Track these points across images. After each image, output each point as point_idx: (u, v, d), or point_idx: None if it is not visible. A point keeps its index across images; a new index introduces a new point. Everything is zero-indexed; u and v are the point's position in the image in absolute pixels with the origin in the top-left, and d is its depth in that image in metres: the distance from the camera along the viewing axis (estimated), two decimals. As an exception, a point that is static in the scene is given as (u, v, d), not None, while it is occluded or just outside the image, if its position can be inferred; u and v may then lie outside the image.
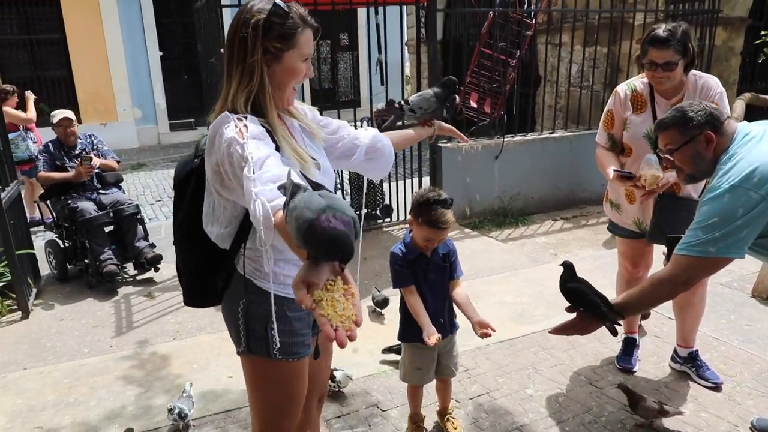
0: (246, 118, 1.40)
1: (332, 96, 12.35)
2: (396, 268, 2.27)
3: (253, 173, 1.25)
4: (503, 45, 5.85)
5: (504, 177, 5.68)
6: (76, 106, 11.05)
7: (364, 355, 3.21)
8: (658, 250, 2.72)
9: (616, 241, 2.98)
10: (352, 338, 0.98)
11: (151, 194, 7.88)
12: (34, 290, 4.29)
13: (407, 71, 12.42)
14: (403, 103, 2.01)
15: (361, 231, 1.11)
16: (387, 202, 5.77)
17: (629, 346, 3.02)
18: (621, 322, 1.95)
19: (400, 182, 5.69)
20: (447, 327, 2.37)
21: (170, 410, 2.51)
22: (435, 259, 2.28)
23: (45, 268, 4.70)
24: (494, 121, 5.99)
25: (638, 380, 2.87)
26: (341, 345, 0.96)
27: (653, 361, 3.04)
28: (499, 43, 5.76)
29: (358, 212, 5.65)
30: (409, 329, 2.32)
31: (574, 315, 1.98)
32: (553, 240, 5.19)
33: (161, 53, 11.70)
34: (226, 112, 1.42)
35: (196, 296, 1.68)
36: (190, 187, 1.60)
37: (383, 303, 3.73)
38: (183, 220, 1.62)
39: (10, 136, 6.07)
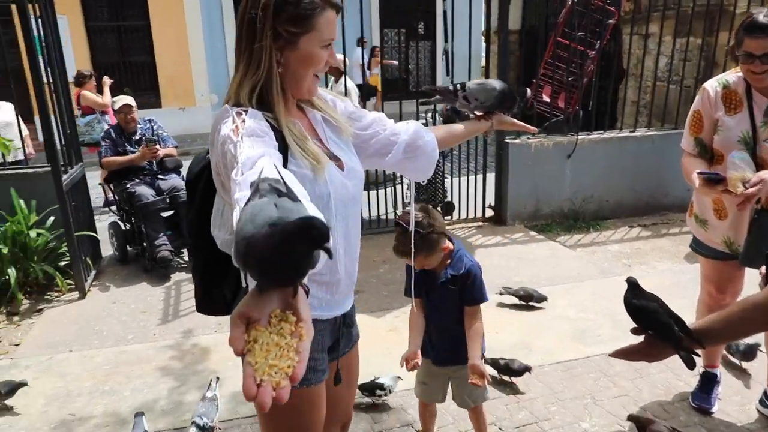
0: (246, 112, 1.21)
1: (405, 86, 12.08)
2: (406, 277, 2.10)
3: (241, 175, 1.06)
4: (582, 35, 5.38)
5: (577, 177, 5.25)
6: (157, 90, 11.50)
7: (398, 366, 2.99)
8: (750, 275, 2.31)
9: (700, 261, 2.58)
10: (278, 399, 0.74)
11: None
12: (94, 271, 4.39)
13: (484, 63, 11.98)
14: (458, 87, 1.75)
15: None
16: (449, 199, 5.50)
17: (708, 382, 2.62)
18: (699, 352, 1.61)
19: (464, 178, 5.40)
20: (451, 355, 2.11)
21: (194, 423, 2.41)
22: (441, 279, 2.03)
23: (109, 249, 4.82)
24: (568, 117, 5.54)
25: (716, 423, 2.49)
26: (261, 407, 0.73)
27: (737, 402, 2.63)
28: (577, 33, 5.30)
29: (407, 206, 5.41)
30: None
31: (641, 339, 1.66)
32: (628, 249, 4.73)
33: (239, 40, 11.90)
34: (227, 105, 1.24)
35: (204, 302, 1.52)
36: (200, 185, 1.44)
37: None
38: (193, 219, 1.47)
39: (87, 118, 6.33)
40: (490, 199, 5.37)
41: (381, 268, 4.39)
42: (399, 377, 2.66)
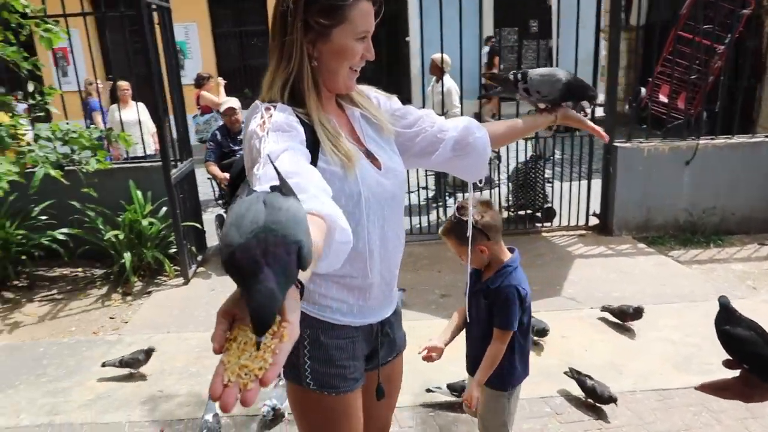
0: (275, 107, 1.18)
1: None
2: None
3: (261, 169, 1.03)
4: (708, 28, 4.83)
5: (696, 186, 4.74)
6: (275, 91, 12.12)
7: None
8: None
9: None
10: (244, 402, 0.68)
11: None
12: (199, 259, 4.69)
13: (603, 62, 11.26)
14: (519, 77, 1.61)
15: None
16: (550, 204, 5.21)
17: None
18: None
19: (567, 184, 5.08)
20: (472, 370, 2.00)
21: (265, 405, 2.48)
22: (483, 286, 1.91)
23: (216, 240, 5.14)
24: (689, 120, 5.01)
25: None
26: (223, 408, 0.68)
27: None
28: (702, 26, 4.77)
29: (511, 210, 5.16)
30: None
31: (736, 373, 1.41)
32: (755, 269, 4.18)
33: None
34: (258, 101, 1.23)
35: None
36: (240, 183, 1.45)
37: (541, 333, 3.14)
38: None
39: (205, 117, 6.82)
40: (595, 206, 5.02)
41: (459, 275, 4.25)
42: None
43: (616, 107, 4.86)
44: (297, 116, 1.20)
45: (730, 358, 1.38)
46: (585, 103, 1.68)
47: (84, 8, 4.47)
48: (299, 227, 0.73)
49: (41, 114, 4.59)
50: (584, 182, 5.01)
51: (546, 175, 5.30)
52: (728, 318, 1.40)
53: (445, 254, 4.61)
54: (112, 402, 2.81)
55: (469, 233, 1.75)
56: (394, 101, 1.47)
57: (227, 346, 0.73)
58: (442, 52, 5.04)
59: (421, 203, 5.43)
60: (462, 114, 4.61)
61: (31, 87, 4.58)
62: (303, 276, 0.78)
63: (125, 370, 3.01)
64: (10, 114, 4.19)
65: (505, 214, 5.23)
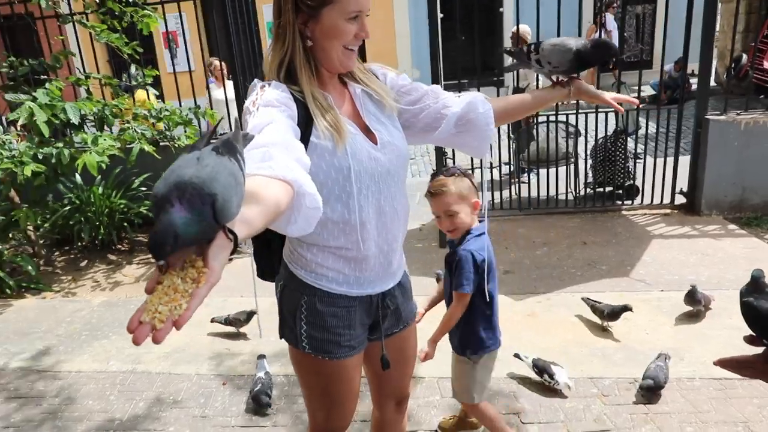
0: (270, 84, 1.27)
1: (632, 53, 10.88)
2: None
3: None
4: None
5: (803, 163, 4.27)
6: (363, 65, 12.31)
7: (525, 351, 2.85)
8: None
9: None
10: (155, 339, 0.77)
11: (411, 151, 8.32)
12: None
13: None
14: (532, 48, 1.57)
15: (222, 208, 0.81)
16: (633, 182, 4.92)
17: None
18: None
19: (652, 160, 4.76)
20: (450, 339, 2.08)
21: None
22: (448, 251, 1.97)
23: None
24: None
25: None
26: (133, 342, 0.77)
27: None
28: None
29: (590, 186, 4.89)
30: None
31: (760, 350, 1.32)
32: None
33: (442, 15, 12.06)
34: (256, 80, 1.32)
35: (259, 268, 1.61)
36: None
37: (612, 315, 2.98)
38: None
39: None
40: (682, 184, 4.68)
41: (538, 250, 4.17)
42: (569, 386, 2.53)
43: (709, 76, 4.47)
44: (291, 94, 1.27)
45: (752, 333, 1.28)
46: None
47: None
48: (218, 182, 0.79)
49: (154, 93, 5.04)
50: (671, 159, 4.67)
51: (631, 150, 5.00)
52: (755, 290, 1.29)
53: (515, 231, 4.55)
54: (184, 356, 3.12)
55: (485, 208, 1.77)
56: (402, 78, 1.50)
57: (156, 288, 0.81)
58: (518, 24, 4.88)
59: (495, 179, 5.34)
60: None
61: (132, 69, 5.04)
62: (241, 233, 0.85)
63: (221, 327, 3.30)
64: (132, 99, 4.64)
65: (583, 191, 5.02)
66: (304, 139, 1.25)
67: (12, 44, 5.14)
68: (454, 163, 5.17)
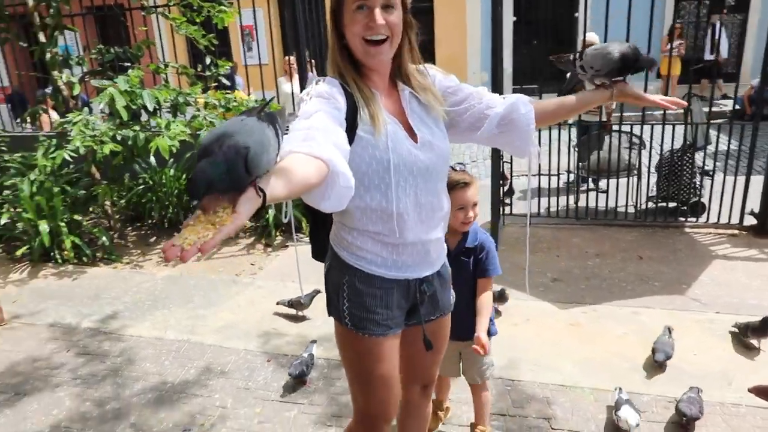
0: (324, 79, 1.38)
1: (707, 67, 10.33)
2: None
3: (296, 123, 1.25)
4: None
5: None
6: (433, 67, 12.36)
7: (564, 360, 2.84)
8: None
9: None
10: (182, 258, 0.89)
11: (468, 155, 8.32)
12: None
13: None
14: (578, 55, 1.61)
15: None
16: (702, 198, 4.73)
17: None
18: None
19: (730, 177, 4.55)
20: (465, 330, 2.03)
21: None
22: (455, 252, 2.00)
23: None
24: None
25: None
26: (165, 257, 0.90)
27: None
28: None
29: (653, 200, 4.71)
30: None
31: None
32: None
33: (515, 18, 11.92)
34: (312, 75, 1.42)
35: (313, 249, 1.73)
36: None
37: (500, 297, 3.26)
38: None
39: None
40: (754, 204, 4.45)
41: (590, 261, 4.10)
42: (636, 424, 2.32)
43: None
44: (343, 88, 1.37)
45: None
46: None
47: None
48: (251, 139, 0.96)
49: (225, 83, 5.33)
50: (743, 177, 4.46)
51: (699, 166, 4.80)
52: None
53: (569, 240, 4.49)
54: (235, 332, 3.30)
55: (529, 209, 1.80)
56: (449, 79, 1.57)
57: (191, 224, 0.95)
58: (584, 32, 4.79)
59: (553, 186, 5.26)
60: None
61: (207, 60, 5.33)
62: (270, 191, 1.00)
63: (280, 308, 3.47)
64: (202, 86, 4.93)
65: (644, 205, 4.87)
66: (351, 130, 1.35)
67: (102, 33, 5.56)
68: (511, 167, 5.15)
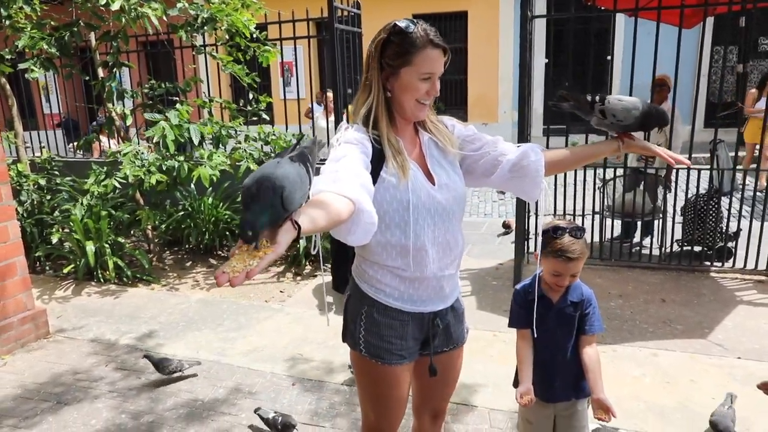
0: (353, 126, 1.54)
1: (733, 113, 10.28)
2: (513, 306, 2.02)
3: (326, 166, 1.41)
4: None
5: None
6: (465, 106, 12.59)
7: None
8: None
9: None
10: (232, 283, 1.02)
11: (477, 195, 8.42)
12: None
13: None
14: (597, 99, 1.71)
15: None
16: (730, 243, 4.74)
17: None
18: None
19: (757, 223, 4.55)
20: (563, 390, 1.98)
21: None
22: (560, 305, 1.94)
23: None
24: None
25: None
26: (217, 283, 1.03)
27: None
28: None
29: (679, 243, 4.72)
30: None
31: None
32: None
33: (546, 60, 12.14)
34: (344, 122, 1.60)
35: (334, 281, 1.86)
36: None
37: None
38: None
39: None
40: (781, 251, 4.44)
41: (612, 302, 4.14)
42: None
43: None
44: (370, 136, 1.54)
45: None
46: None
47: (309, 32, 5.38)
48: (287, 179, 1.11)
49: (265, 118, 5.62)
50: (770, 223, 4.46)
51: (727, 210, 4.83)
52: None
53: (592, 280, 4.54)
54: (262, 355, 3.46)
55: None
56: (468, 129, 1.73)
57: (236, 253, 1.10)
58: (632, 70, 4.91)
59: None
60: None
61: (250, 96, 5.65)
62: (305, 225, 1.13)
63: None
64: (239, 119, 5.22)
65: (669, 248, 4.90)
66: (375, 172, 1.51)
67: (153, 68, 5.95)
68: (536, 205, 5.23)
